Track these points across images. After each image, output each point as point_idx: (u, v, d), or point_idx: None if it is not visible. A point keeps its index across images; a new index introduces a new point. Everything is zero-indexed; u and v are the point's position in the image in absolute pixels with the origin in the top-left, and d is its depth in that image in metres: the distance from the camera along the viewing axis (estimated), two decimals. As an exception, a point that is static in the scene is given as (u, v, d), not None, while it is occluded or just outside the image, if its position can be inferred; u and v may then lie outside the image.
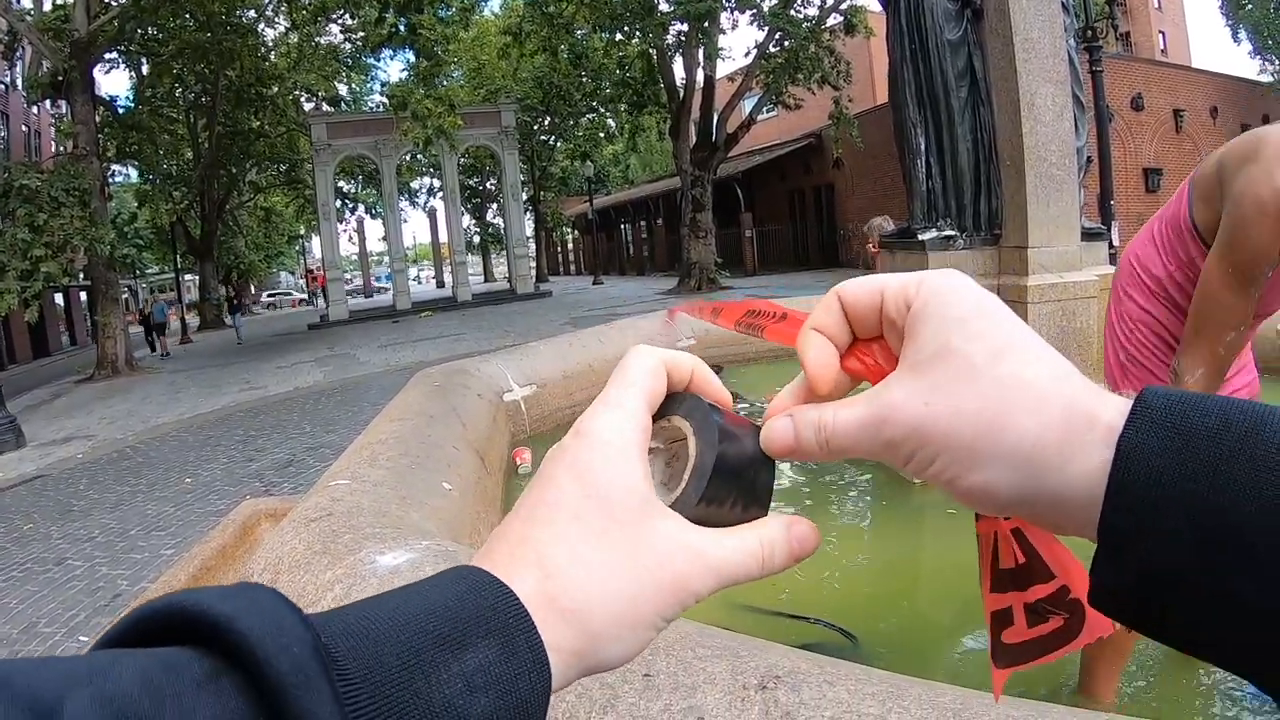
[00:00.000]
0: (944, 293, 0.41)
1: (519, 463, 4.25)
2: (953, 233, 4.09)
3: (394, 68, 68.14)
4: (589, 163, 34.34)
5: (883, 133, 22.95)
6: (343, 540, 1.81)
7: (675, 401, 0.45)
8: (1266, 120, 20.78)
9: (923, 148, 4.11)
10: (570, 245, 53.51)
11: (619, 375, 0.44)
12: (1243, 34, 21.09)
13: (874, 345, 0.45)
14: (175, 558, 4.52)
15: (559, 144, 35.70)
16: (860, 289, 0.44)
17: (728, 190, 27.94)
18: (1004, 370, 0.38)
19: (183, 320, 28.80)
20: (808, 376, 0.45)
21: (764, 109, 22.23)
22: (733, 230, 28.83)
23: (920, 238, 4.06)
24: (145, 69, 23.51)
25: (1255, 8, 20.34)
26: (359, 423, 5.53)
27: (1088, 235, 4.45)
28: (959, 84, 4.00)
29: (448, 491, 2.65)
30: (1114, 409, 0.36)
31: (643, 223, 41.41)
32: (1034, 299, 3.89)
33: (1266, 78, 21.59)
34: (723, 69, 21.77)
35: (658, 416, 0.44)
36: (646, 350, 0.46)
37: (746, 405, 5.49)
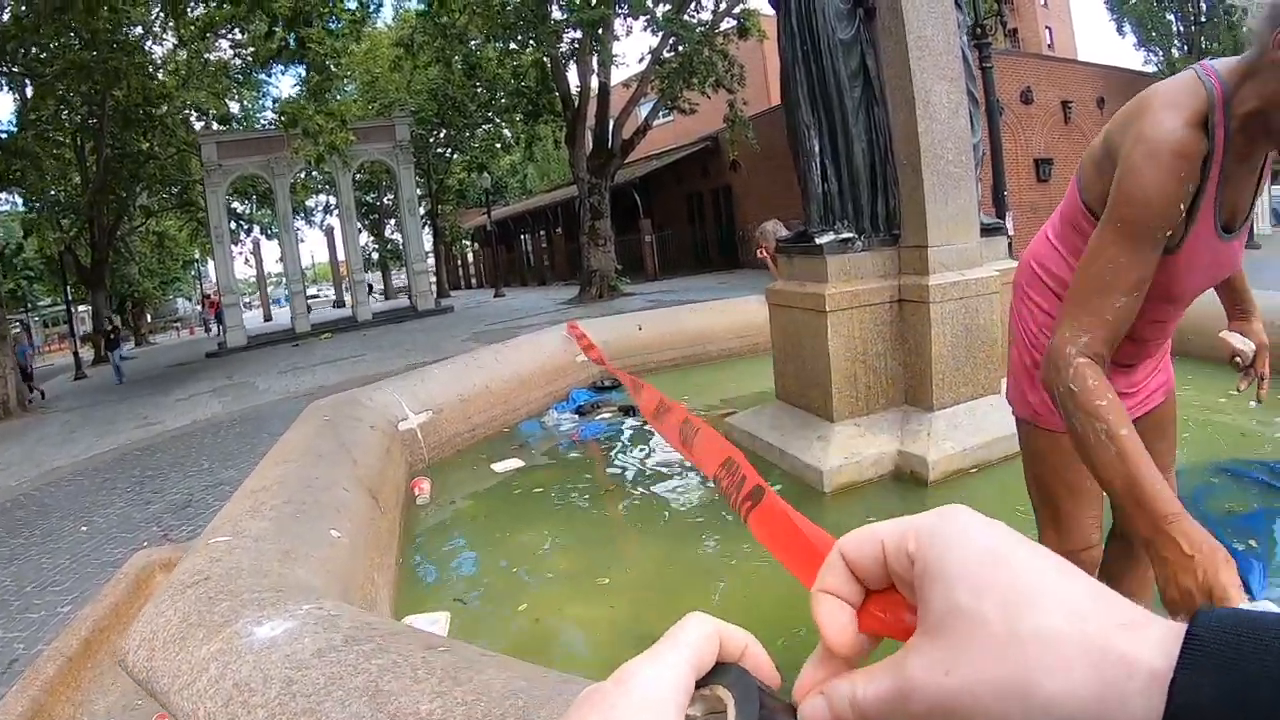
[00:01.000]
0: (942, 545, 0.38)
1: (417, 493, 4.07)
2: (850, 235, 4.02)
3: (286, 83, 66.38)
4: (486, 174, 33.89)
5: (778, 133, 22.98)
6: (219, 609, 1.68)
7: (722, 671, 0.43)
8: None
9: (817, 149, 4.03)
10: (470, 258, 52.71)
11: (672, 634, 0.42)
12: (1127, 27, 21.97)
13: (888, 597, 0.42)
14: (71, 617, 4.25)
15: (455, 156, 35.11)
16: (860, 544, 0.42)
17: (626, 196, 27.89)
18: (1022, 626, 0.34)
19: (75, 355, 27.42)
20: (825, 644, 0.42)
21: (660, 114, 22.24)
22: (632, 236, 28.76)
23: (817, 241, 3.99)
24: (29, 91, 22.38)
25: (1139, 2, 21.24)
26: (258, 454, 5.32)
27: (986, 230, 4.47)
28: (853, 84, 3.93)
29: (336, 539, 2.50)
30: (1154, 646, 0.31)
31: (542, 232, 40.95)
32: (936, 298, 3.86)
33: (1150, 68, 22.58)
34: (617, 75, 21.73)
35: (702, 683, 0.41)
36: (704, 618, 0.43)
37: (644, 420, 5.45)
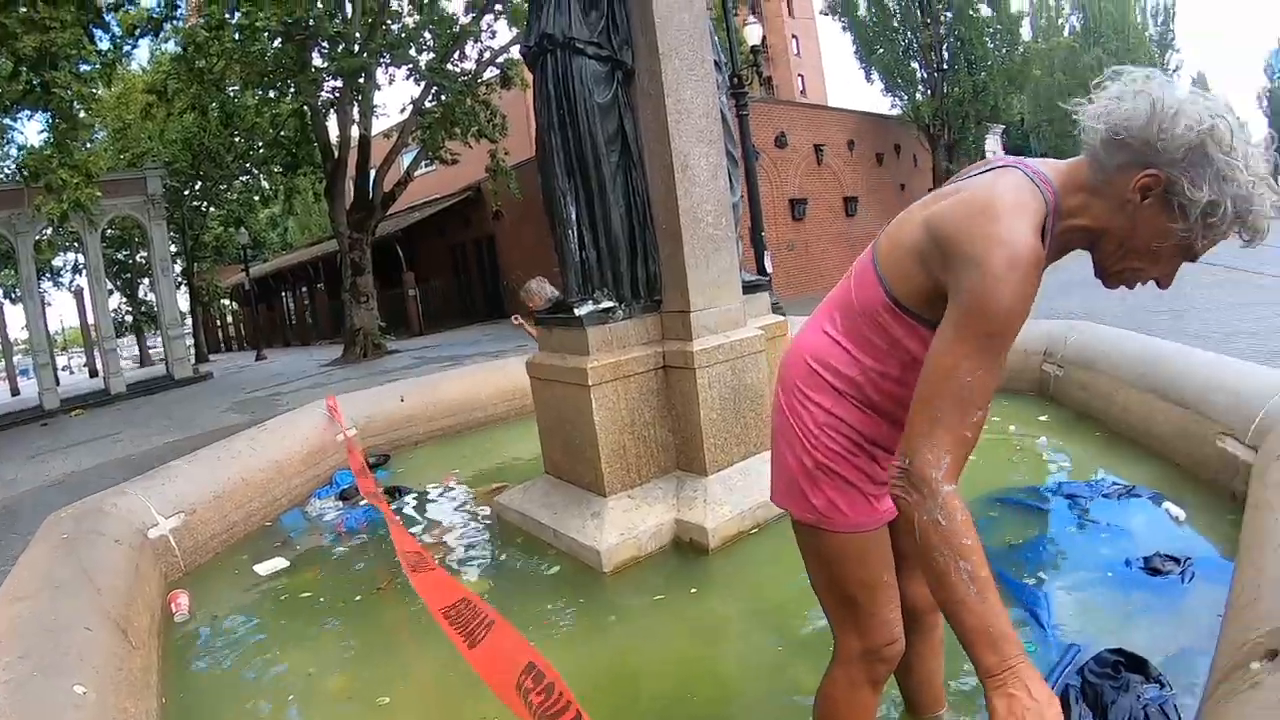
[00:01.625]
0: None
1: (175, 610, 3.51)
2: (611, 304, 3.90)
3: (32, 129, 60.29)
4: (243, 229, 32.05)
5: (539, 183, 23.04)
6: None
7: None
8: (899, 149, 23.41)
9: (574, 217, 3.90)
10: (230, 319, 49.46)
11: None
12: (875, 75, 23.81)
13: None
14: None
15: (211, 210, 32.95)
16: None
17: (388, 249, 27.03)
18: None
19: None
20: None
21: (422, 164, 21.72)
22: (396, 290, 27.82)
23: (577, 312, 3.83)
24: None
25: (885, 53, 23.06)
26: (8, 559, 4.53)
27: (749, 288, 4.50)
28: (610, 149, 3.83)
29: (82, 697, 2.14)
30: None
31: (304, 289, 38.83)
32: (701, 363, 3.81)
33: (896, 111, 24.45)
34: (379, 125, 21.03)
35: None
36: None
37: (415, 493, 5.11)
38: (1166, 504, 3.37)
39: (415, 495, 5.06)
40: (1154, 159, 1.32)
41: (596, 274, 3.93)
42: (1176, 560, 2.78)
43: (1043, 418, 5.05)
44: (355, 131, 19.70)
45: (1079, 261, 1.60)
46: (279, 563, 4.07)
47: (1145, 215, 1.37)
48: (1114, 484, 3.70)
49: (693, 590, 3.29)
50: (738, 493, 3.82)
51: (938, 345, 1.40)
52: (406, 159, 21.39)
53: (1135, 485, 3.65)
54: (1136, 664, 2.13)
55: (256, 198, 32.26)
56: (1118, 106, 1.36)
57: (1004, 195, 1.41)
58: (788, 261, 21.91)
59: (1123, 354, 4.69)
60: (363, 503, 4.71)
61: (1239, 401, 3.44)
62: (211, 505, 4.38)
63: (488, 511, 4.46)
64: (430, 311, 28.08)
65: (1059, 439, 4.61)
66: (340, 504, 4.91)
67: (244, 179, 30.18)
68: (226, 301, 45.73)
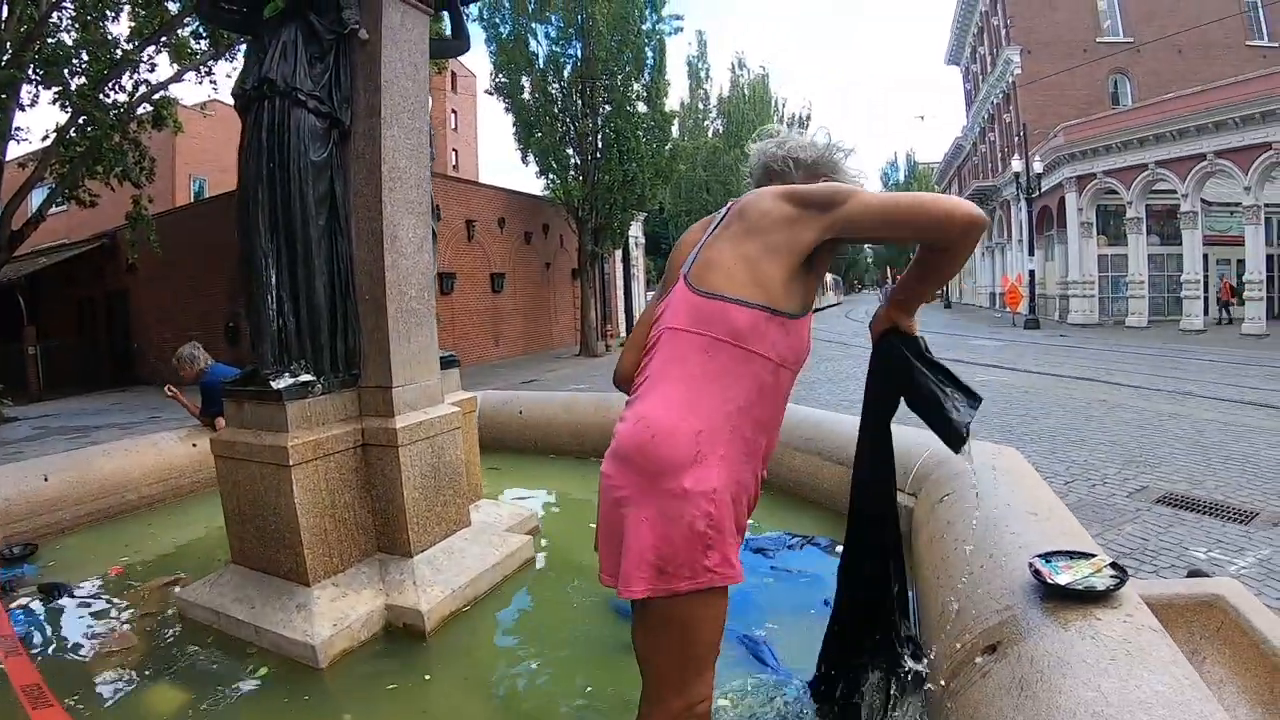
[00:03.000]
0: None
1: None
2: (310, 377, 3.65)
3: None
4: None
5: (180, 236, 21.55)
6: None
7: None
8: (547, 228, 24.27)
9: (274, 281, 3.58)
10: None
11: None
12: (531, 157, 24.53)
13: None
14: None
15: None
16: None
17: (8, 298, 23.09)
18: None
19: None
20: None
21: (55, 203, 18.82)
22: (14, 345, 23.63)
23: (274, 385, 3.53)
24: None
25: (544, 137, 23.89)
26: None
27: (443, 363, 4.46)
28: (319, 210, 3.62)
29: None
30: None
31: None
32: (404, 440, 3.71)
33: (547, 193, 25.34)
34: (14, 151, 17.76)
35: None
36: None
37: (72, 590, 4.34)
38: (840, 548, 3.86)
39: (73, 593, 4.31)
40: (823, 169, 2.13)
41: (295, 344, 3.64)
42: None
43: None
44: None
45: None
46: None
47: None
48: (794, 536, 4.17)
49: (426, 677, 3.15)
50: (445, 572, 3.73)
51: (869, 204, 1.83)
52: (38, 196, 18.35)
53: (813, 535, 4.17)
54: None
55: None
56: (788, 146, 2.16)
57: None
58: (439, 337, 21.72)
59: (789, 423, 5.24)
60: (13, 604, 3.97)
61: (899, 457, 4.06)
62: None
63: (166, 609, 3.89)
64: (52, 373, 24.20)
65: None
66: None
67: None
68: None
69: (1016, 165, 30.71)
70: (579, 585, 3.97)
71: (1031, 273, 30.41)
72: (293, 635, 3.26)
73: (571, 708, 2.83)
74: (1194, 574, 3.67)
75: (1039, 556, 2.24)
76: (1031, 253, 30.61)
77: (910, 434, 4.43)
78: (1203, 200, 24.82)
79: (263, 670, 3.21)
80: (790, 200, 1.86)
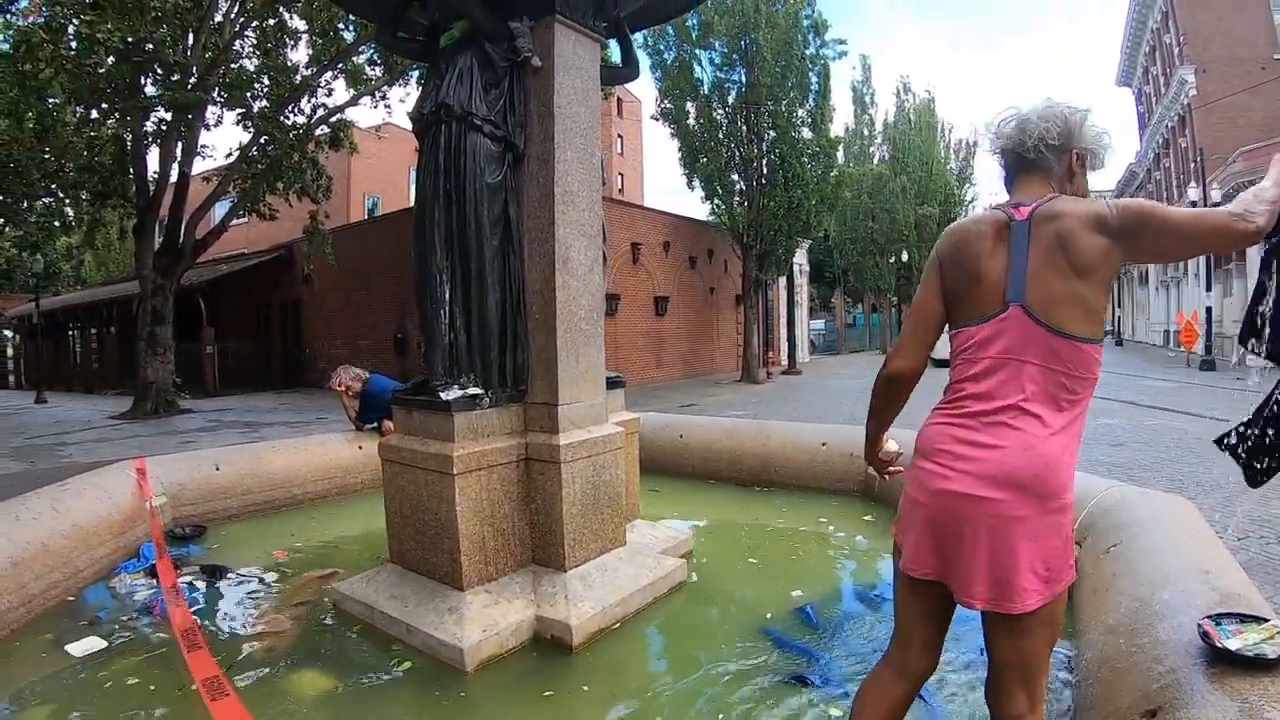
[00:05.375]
0: None
1: None
2: (478, 390, 3.77)
3: None
4: (39, 255, 28.89)
5: (353, 251, 22.81)
6: None
7: None
8: (711, 253, 24.31)
9: (448, 297, 3.74)
10: (11, 352, 44.38)
11: None
12: (697, 182, 24.71)
13: None
14: None
15: (7, 229, 29.44)
16: None
17: (190, 301, 24.98)
18: None
19: None
20: None
21: (237, 215, 20.42)
22: (193, 345, 25.41)
23: (444, 396, 3.67)
24: None
25: (709, 162, 24.02)
26: None
27: (609, 384, 4.51)
28: (493, 231, 3.76)
29: None
30: None
31: (94, 331, 34.24)
32: (567, 457, 3.78)
33: (712, 218, 25.42)
34: (199, 167, 19.40)
35: None
36: None
37: (235, 574, 4.65)
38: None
39: (236, 576, 4.62)
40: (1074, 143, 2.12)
41: (465, 358, 3.79)
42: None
43: (867, 517, 5.31)
44: (175, 170, 18.27)
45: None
46: (95, 643, 3.56)
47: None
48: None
49: (585, 688, 3.19)
50: (597, 588, 3.77)
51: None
52: (220, 209, 20.04)
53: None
54: None
55: (57, 223, 29.08)
56: (1038, 125, 2.10)
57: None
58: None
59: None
60: (178, 580, 4.28)
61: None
62: (9, 574, 3.80)
63: (320, 599, 4.11)
64: (227, 372, 26.20)
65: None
66: (152, 581, 4.41)
67: (47, 200, 27.14)
68: (8, 333, 40.96)
69: (1193, 193, 28.42)
70: (731, 611, 3.95)
71: (1209, 309, 28.06)
72: (442, 636, 3.37)
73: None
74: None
75: (1209, 618, 2.13)
76: (1209, 288, 28.20)
77: (1079, 480, 4.20)
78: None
79: (405, 665, 3.34)
80: (1106, 233, 1.92)
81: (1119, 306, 47.28)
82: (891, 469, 2.45)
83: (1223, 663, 1.94)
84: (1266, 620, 2.07)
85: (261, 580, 4.59)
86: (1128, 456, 9.97)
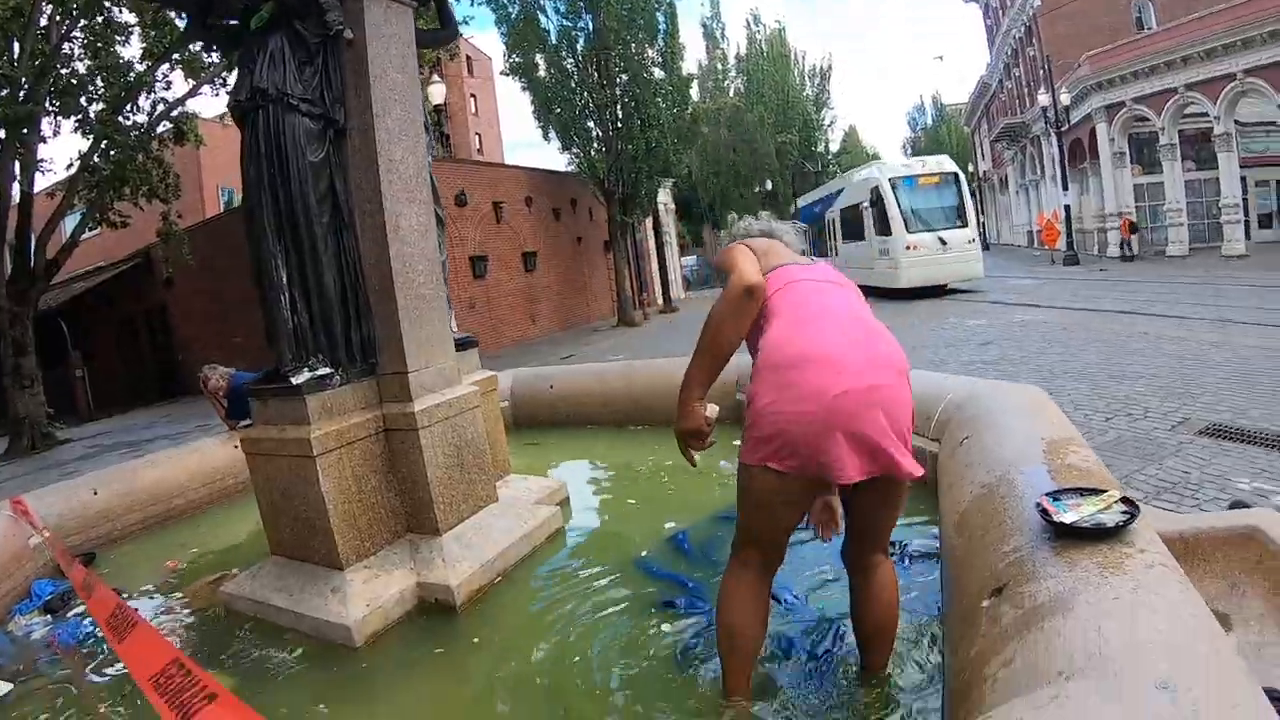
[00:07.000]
0: None
1: None
2: (328, 370, 3.74)
3: None
4: None
5: (213, 247, 21.78)
6: None
7: None
8: (574, 203, 24.19)
9: (284, 281, 3.69)
10: None
11: None
12: (553, 133, 24.44)
13: None
14: None
15: None
16: None
17: (51, 325, 23.55)
18: None
19: None
20: None
21: (86, 228, 19.06)
22: (60, 371, 23.95)
23: (294, 381, 3.63)
24: None
25: (563, 112, 23.80)
26: None
27: (460, 345, 4.53)
28: (321, 208, 3.70)
29: None
30: None
31: None
32: (423, 423, 3.79)
33: (572, 168, 25.29)
34: (41, 182, 17.90)
35: None
36: None
37: (128, 595, 4.49)
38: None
39: (128, 597, 4.42)
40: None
41: (310, 339, 3.75)
42: (893, 543, 3.16)
43: (735, 442, 5.50)
44: (16, 189, 16.76)
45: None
46: (2, 686, 3.45)
47: None
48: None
49: (475, 640, 3.28)
50: (474, 548, 3.82)
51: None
52: (71, 222, 18.58)
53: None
54: None
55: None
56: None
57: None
58: (470, 320, 21.67)
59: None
60: (71, 614, 4.13)
61: (919, 404, 4.03)
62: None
63: (216, 603, 4.03)
64: (100, 394, 24.71)
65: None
66: (48, 618, 4.22)
67: None
68: None
69: (1044, 99, 29.74)
70: (607, 549, 4.07)
71: (1067, 208, 29.47)
72: (329, 617, 3.38)
73: (604, 667, 2.90)
74: (1236, 506, 3.58)
75: (1047, 495, 2.23)
76: (1066, 187, 29.55)
77: (934, 379, 4.45)
78: (1236, 122, 24.06)
79: (297, 651, 3.34)
80: None
81: (983, 213, 49.11)
82: (707, 441, 2.41)
83: (1067, 537, 2.03)
84: (1104, 492, 2.16)
85: (155, 594, 4.46)
86: (997, 354, 10.50)
